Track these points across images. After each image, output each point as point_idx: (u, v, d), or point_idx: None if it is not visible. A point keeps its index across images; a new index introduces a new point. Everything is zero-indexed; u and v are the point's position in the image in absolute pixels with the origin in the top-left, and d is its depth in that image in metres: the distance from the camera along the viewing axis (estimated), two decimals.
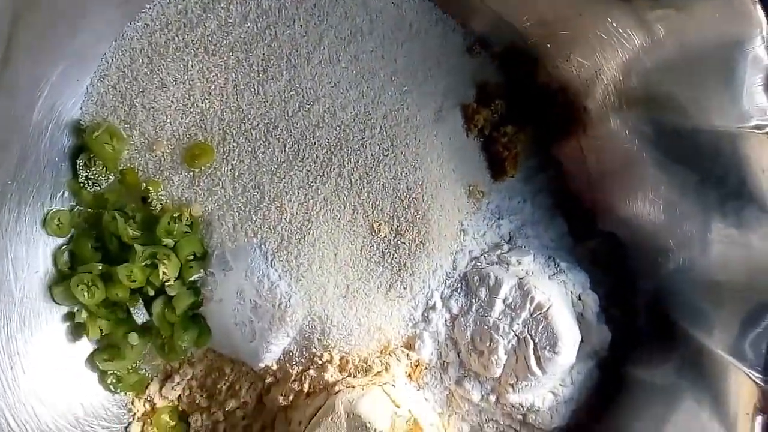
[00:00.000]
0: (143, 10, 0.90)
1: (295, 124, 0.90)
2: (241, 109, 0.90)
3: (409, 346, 0.92)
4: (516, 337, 0.87)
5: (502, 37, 0.96)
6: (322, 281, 0.89)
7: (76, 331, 0.92)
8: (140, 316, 0.91)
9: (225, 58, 0.91)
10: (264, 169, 0.90)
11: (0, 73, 0.79)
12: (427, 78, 0.94)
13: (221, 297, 0.90)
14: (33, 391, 0.86)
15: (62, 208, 0.90)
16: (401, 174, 0.91)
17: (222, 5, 0.91)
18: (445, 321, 0.91)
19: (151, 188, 0.90)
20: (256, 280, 0.88)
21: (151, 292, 0.90)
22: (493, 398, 0.90)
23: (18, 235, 0.86)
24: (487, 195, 0.95)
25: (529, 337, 0.87)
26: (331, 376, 0.88)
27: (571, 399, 0.91)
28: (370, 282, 0.90)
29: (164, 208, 0.90)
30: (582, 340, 0.90)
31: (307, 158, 0.90)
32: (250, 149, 0.90)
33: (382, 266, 0.91)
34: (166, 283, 0.89)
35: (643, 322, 0.94)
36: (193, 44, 0.90)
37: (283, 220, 0.89)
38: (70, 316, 0.91)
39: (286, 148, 0.90)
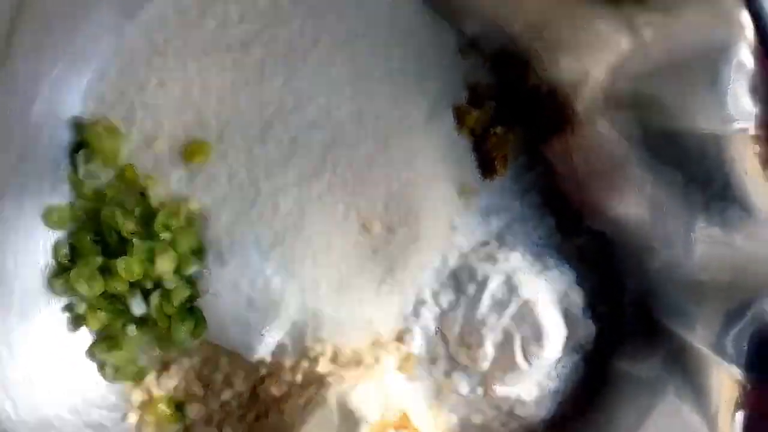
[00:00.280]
0: (143, 10, 0.92)
1: (290, 123, 0.92)
2: (237, 108, 0.92)
3: (399, 339, 0.94)
4: (503, 332, 0.90)
5: (494, 39, 0.97)
6: (315, 276, 0.91)
7: (75, 322, 0.94)
8: (138, 308, 0.93)
9: (222, 58, 0.92)
10: (260, 167, 0.92)
11: (0, 68, 0.81)
12: (420, 79, 0.96)
13: (217, 290, 0.92)
14: (32, 380, 0.88)
15: (62, 203, 0.92)
16: (394, 173, 0.93)
17: (220, 6, 0.92)
18: (435, 315, 0.93)
19: (149, 184, 0.92)
20: (251, 275, 0.90)
21: (149, 285, 0.92)
22: (480, 391, 0.92)
23: (18, 228, 0.88)
24: (477, 193, 0.97)
25: (515, 331, 0.89)
26: (324, 368, 0.90)
27: (557, 391, 0.94)
28: (362, 277, 0.92)
29: (162, 203, 0.92)
30: (568, 335, 0.92)
31: (302, 156, 0.92)
32: (246, 147, 0.92)
33: (374, 262, 0.93)
34: (164, 277, 0.91)
35: (629, 318, 0.96)
36: (192, 44, 0.92)
37: (278, 216, 0.91)
38: (68, 308, 0.93)
39: (282, 147, 0.92)
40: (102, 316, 0.93)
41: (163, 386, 0.97)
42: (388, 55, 0.95)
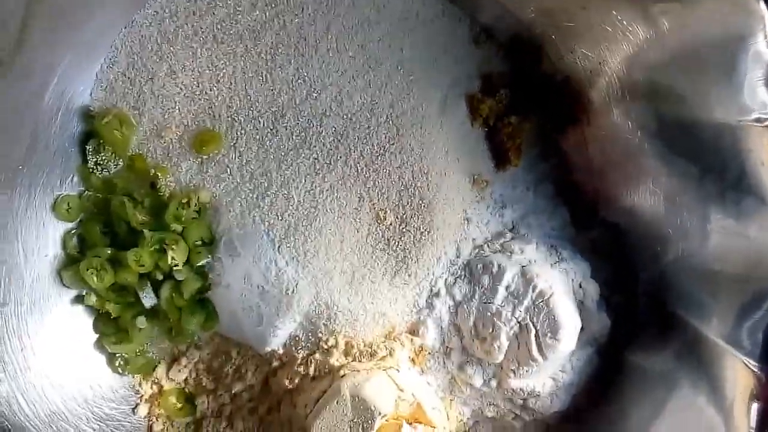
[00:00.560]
0: None
1: (302, 112, 0.92)
2: (249, 97, 0.91)
3: (413, 331, 0.93)
4: (518, 324, 0.89)
5: (508, 27, 0.96)
6: (328, 267, 0.90)
7: (86, 313, 0.93)
8: (148, 299, 0.92)
9: (233, 46, 0.91)
10: (271, 157, 0.91)
11: (13, 59, 0.80)
12: (432, 68, 0.95)
13: (228, 282, 0.91)
14: (43, 372, 0.88)
15: (72, 193, 0.92)
16: (407, 163, 0.92)
17: None
18: (449, 308, 0.93)
19: (159, 174, 0.91)
20: (264, 266, 0.89)
21: (160, 277, 0.92)
22: (494, 383, 0.92)
23: (28, 219, 0.88)
24: (490, 184, 0.96)
25: (530, 324, 0.89)
26: (337, 360, 0.90)
27: (571, 384, 0.93)
28: (375, 269, 0.92)
29: (172, 193, 0.92)
30: (582, 328, 0.91)
31: (314, 146, 0.91)
32: (257, 136, 0.91)
33: (388, 253, 0.92)
34: (174, 268, 0.90)
35: (643, 310, 0.96)
36: (202, 32, 0.91)
37: (290, 207, 0.90)
38: (79, 299, 0.92)
39: (294, 136, 0.91)
40: (112, 307, 0.92)
41: (173, 378, 0.96)
42: (400, 43, 0.94)
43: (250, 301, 0.90)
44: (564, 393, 0.93)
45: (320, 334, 0.91)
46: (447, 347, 0.94)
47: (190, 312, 0.92)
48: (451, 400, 0.95)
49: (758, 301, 0.81)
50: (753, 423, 0.78)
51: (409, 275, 0.92)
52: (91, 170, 0.91)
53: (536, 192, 0.99)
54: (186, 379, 0.97)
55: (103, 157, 0.91)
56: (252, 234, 0.90)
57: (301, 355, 0.92)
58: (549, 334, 0.88)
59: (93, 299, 0.92)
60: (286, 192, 0.91)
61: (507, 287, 0.90)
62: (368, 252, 0.92)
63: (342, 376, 0.88)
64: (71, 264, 0.91)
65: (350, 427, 0.85)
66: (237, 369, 0.95)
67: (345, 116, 0.92)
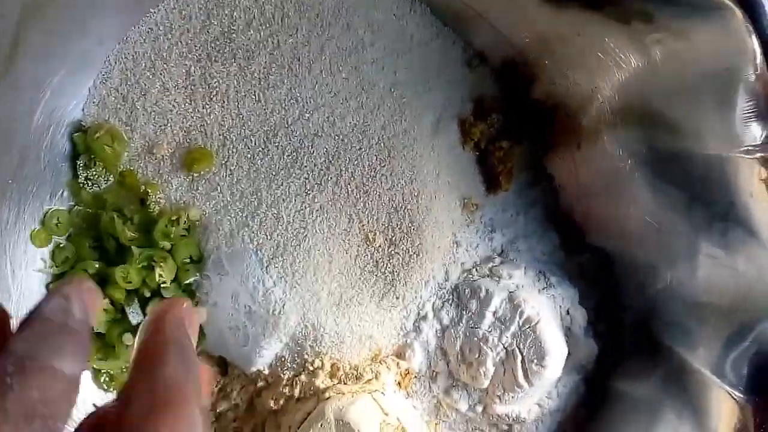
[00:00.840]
0: (147, 15, 0.91)
1: (294, 132, 0.92)
2: (241, 116, 0.91)
3: (399, 354, 0.93)
4: (504, 350, 0.89)
5: (501, 52, 0.97)
6: (316, 288, 0.90)
7: None
8: (135, 316, 0.91)
9: (227, 65, 0.91)
10: (262, 176, 0.91)
11: (5, 73, 0.79)
12: (425, 90, 0.95)
13: (216, 301, 0.91)
14: None
15: (61, 208, 0.91)
16: (397, 185, 0.92)
17: (226, 12, 0.91)
18: (436, 331, 0.93)
19: (149, 191, 0.91)
20: (251, 286, 0.89)
21: (147, 294, 0.91)
22: (480, 408, 0.92)
23: (17, 233, 0.87)
24: (480, 208, 0.97)
25: (517, 350, 0.88)
26: (322, 382, 0.90)
27: (556, 411, 0.93)
28: (363, 291, 0.92)
29: (162, 210, 0.91)
30: (569, 354, 0.91)
31: (305, 166, 0.91)
32: (249, 155, 0.91)
33: (376, 275, 0.92)
34: (162, 285, 0.90)
35: (629, 338, 0.96)
36: (196, 50, 0.91)
37: (280, 227, 0.90)
38: None
39: (285, 156, 0.91)
40: (99, 323, 0.91)
41: None
42: (394, 65, 0.95)
43: (236, 321, 0.90)
44: (549, 419, 0.93)
45: (306, 356, 0.91)
46: (433, 371, 0.94)
47: None
48: (436, 424, 0.95)
49: (744, 332, 0.81)
50: None
51: (397, 298, 0.92)
52: (81, 185, 0.91)
53: (526, 216, 0.99)
54: None
55: (94, 173, 0.91)
56: (240, 253, 0.90)
57: (286, 376, 0.91)
58: (535, 361, 0.88)
59: None
60: (275, 212, 0.90)
61: (494, 312, 0.90)
62: (356, 273, 0.92)
63: (327, 399, 0.88)
64: (60, 279, 0.91)
65: None
66: (222, 388, 0.95)
67: (336, 137, 0.92)
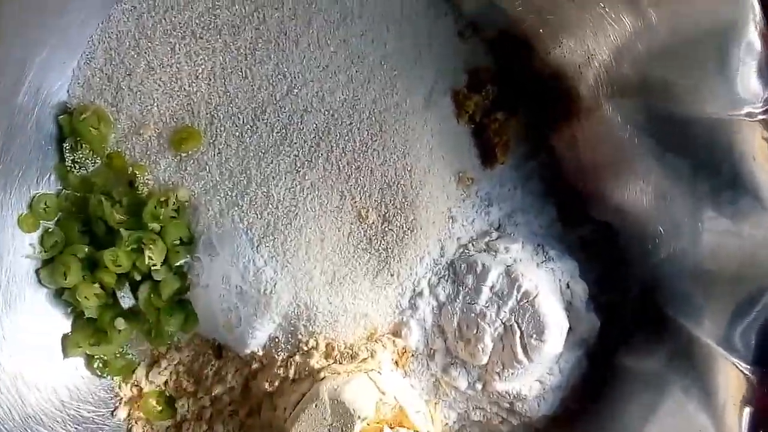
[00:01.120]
0: None
1: (282, 109, 0.90)
2: (228, 93, 0.90)
3: (395, 333, 0.91)
4: (503, 325, 0.87)
5: (495, 21, 0.94)
6: (308, 267, 0.88)
7: (63, 314, 0.92)
8: (126, 300, 0.90)
9: (212, 42, 0.90)
10: (251, 154, 0.89)
11: None
12: (417, 63, 0.93)
13: (207, 282, 0.89)
14: (18, 374, 0.86)
15: (49, 192, 0.90)
16: (390, 160, 0.90)
17: None
18: (432, 308, 0.91)
19: (137, 172, 0.90)
20: (242, 266, 0.87)
21: (138, 277, 0.90)
22: (479, 386, 0.90)
23: (4, 218, 0.86)
24: (476, 182, 0.94)
25: (515, 325, 0.86)
26: (317, 362, 0.88)
27: (558, 387, 0.91)
28: (356, 268, 0.90)
29: (151, 192, 0.90)
30: (570, 329, 0.89)
31: (295, 143, 0.89)
32: (237, 133, 0.90)
33: (369, 253, 0.90)
34: (153, 268, 0.88)
35: (633, 311, 0.94)
36: (180, 27, 0.90)
37: (270, 205, 0.88)
38: (56, 300, 0.91)
39: (274, 133, 0.89)
40: (91, 308, 0.90)
41: (152, 381, 0.95)
42: (384, 38, 0.92)
43: (228, 302, 0.88)
44: (551, 396, 0.91)
45: (300, 336, 0.89)
46: (431, 349, 0.92)
47: (169, 313, 0.91)
48: (435, 403, 0.93)
49: (752, 302, 0.78)
50: (745, 428, 0.76)
51: (392, 275, 0.90)
52: (68, 168, 0.90)
53: (524, 190, 0.97)
54: (166, 382, 0.95)
55: (81, 155, 0.90)
56: (231, 233, 0.88)
57: (280, 357, 0.90)
58: (534, 336, 0.86)
59: (71, 297, 0.90)
60: (265, 190, 0.89)
61: (491, 287, 0.88)
62: (349, 251, 0.90)
63: (322, 379, 0.87)
64: (49, 264, 0.90)
65: (330, 431, 0.83)
66: (217, 371, 0.94)
67: (326, 112, 0.90)
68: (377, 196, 0.90)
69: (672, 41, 0.78)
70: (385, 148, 0.90)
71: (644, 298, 0.92)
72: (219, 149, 0.89)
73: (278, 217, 0.88)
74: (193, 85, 0.90)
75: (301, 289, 0.88)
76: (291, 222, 0.88)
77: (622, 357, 0.93)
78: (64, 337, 0.92)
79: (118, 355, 0.93)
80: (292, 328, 0.89)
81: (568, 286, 0.91)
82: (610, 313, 0.94)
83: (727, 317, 0.80)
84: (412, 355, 0.92)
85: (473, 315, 0.88)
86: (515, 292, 0.87)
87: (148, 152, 0.90)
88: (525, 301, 0.86)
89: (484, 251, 0.91)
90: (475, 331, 0.87)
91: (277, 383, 0.90)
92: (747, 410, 0.76)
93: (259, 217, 0.88)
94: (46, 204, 0.89)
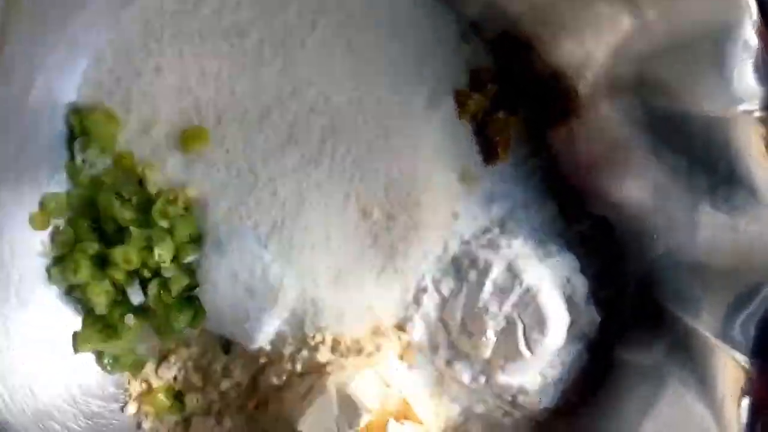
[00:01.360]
0: None
1: (288, 109, 0.91)
2: (235, 94, 0.91)
3: (400, 327, 0.93)
4: (505, 319, 0.89)
5: (495, 22, 0.96)
6: (314, 264, 0.90)
7: (73, 311, 0.93)
8: (136, 297, 0.92)
9: (219, 44, 0.91)
10: (258, 153, 0.91)
11: None
12: (420, 64, 0.95)
13: (215, 279, 0.91)
14: (30, 370, 0.87)
15: (60, 191, 0.91)
16: (394, 159, 0.92)
17: None
18: (436, 303, 0.92)
19: (147, 171, 0.91)
20: (250, 263, 0.89)
21: (148, 274, 0.91)
22: (483, 379, 0.91)
23: (15, 216, 0.87)
24: (478, 179, 0.96)
25: (518, 319, 0.88)
26: (323, 357, 0.90)
27: (560, 380, 0.93)
28: (362, 265, 0.91)
29: (160, 190, 0.91)
30: (571, 323, 0.91)
31: (300, 143, 0.91)
32: (244, 133, 0.91)
33: (374, 249, 0.92)
34: (162, 265, 0.90)
35: (632, 305, 0.95)
36: (188, 29, 0.91)
37: (277, 203, 0.90)
38: (66, 297, 0.92)
39: (280, 133, 0.91)
40: (101, 305, 0.92)
41: (161, 376, 0.96)
42: (387, 39, 0.94)
43: (236, 298, 0.90)
44: (553, 389, 0.93)
45: (306, 331, 0.91)
46: (435, 343, 0.93)
47: (178, 309, 0.92)
48: (439, 396, 0.94)
49: (749, 295, 0.80)
50: (744, 419, 0.78)
51: (396, 271, 0.92)
52: (78, 168, 0.91)
53: (525, 186, 0.98)
54: (175, 377, 0.97)
55: (91, 155, 0.91)
56: (238, 230, 0.90)
57: (288, 352, 0.91)
58: (536, 329, 0.87)
59: (81, 294, 0.91)
60: (272, 189, 0.90)
61: (494, 282, 0.89)
62: (355, 248, 0.91)
63: (328, 373, 0.88)
64: (60, 261, 0.91)
65: (336, 424, 0.85)
66: (225, 366, 0.95)
67: (332, 113, 0.92)
68: (382, 194, 0.92)
69: (669, 40, 0.80)
70: (389, 148, 0.92)
71: (642, 292, 0.93)
72: (226, 149, 0.91)
73: (285, 215, 0.90)
74: (201, 86, 0.91)
75: (307, 285, 0.89)
76: (297, 219, 0.90)
77: (622, 350, 0.94)
78: (75, 334, 0.93)
79: (127, 351, 0.95)
80: (299, 324, 0.91)
81: (568, 280, 0.93)
82: (609, 308, 0.96)
83: (724, 310, 0.81)
84: (417, 349, 0.93)
85: (476, 310, 0.89)
86: (517, 287, 0.88)
87: (157, 152, 0.92)
88: (527, 295, 0.88)
89: (487, 247, 0.93)
90: (478, 326, 0.89)
91: (284, 378, 0.91)
92: (745, 401, 0.78)
93: (266, 214, 0.90)
94: (56, 202, 0.91)
